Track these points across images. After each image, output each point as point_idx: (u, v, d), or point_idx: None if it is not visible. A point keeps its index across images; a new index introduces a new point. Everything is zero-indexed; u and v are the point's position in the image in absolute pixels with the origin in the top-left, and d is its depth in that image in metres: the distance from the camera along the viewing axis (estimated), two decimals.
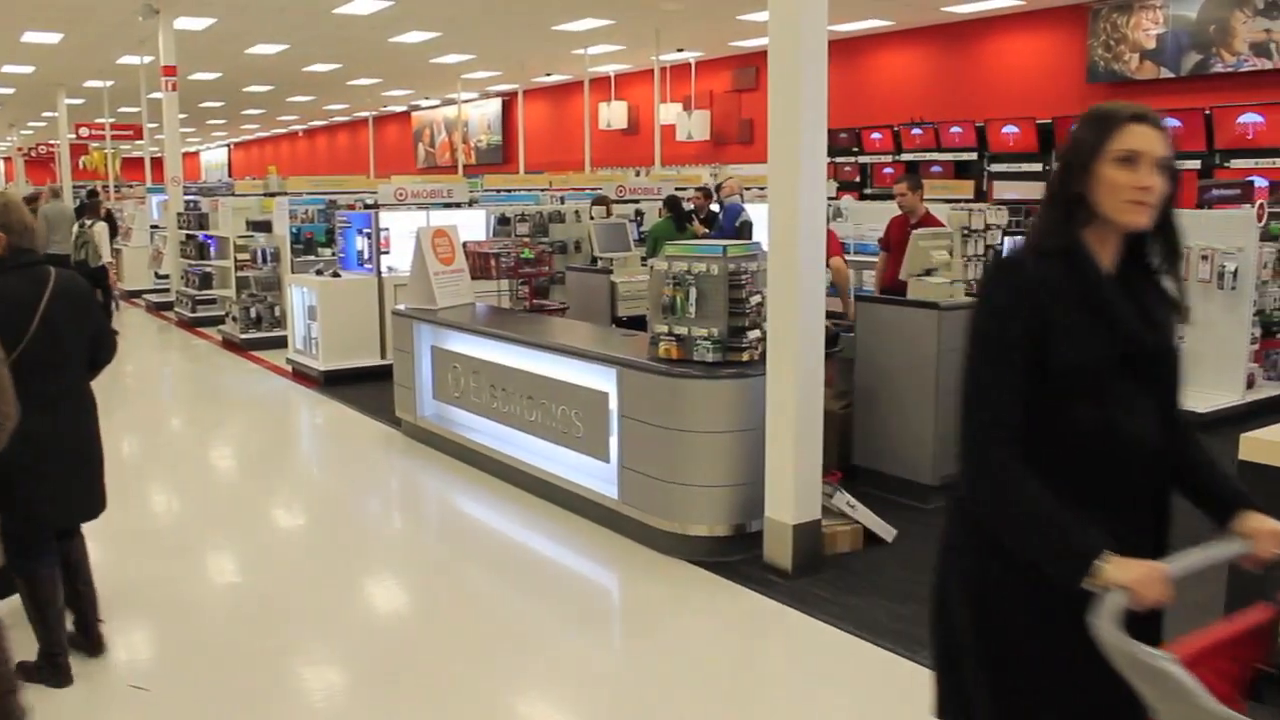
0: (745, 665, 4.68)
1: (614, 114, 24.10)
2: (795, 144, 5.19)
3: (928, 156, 18.90)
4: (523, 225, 12.28)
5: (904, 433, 6.42)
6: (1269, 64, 14.97)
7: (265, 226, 13.22)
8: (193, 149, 54.40)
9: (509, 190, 15.88)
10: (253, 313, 13.06)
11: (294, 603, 5.29)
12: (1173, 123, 15.32)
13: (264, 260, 13.10)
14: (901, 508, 6.22)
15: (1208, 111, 14.98)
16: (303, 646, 4.81)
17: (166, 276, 17.10)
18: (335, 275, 10.93)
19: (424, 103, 33.93)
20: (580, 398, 6.35)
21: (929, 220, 8.08)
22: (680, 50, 22.34)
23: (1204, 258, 8.74)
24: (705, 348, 5.59)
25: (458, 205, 12.02)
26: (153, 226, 18.38)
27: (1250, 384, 8.76)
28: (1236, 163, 14.69)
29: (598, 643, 5.00)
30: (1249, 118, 14.63)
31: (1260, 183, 10.59)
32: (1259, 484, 4.05)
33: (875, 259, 9.19)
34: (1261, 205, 8.96)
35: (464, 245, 8.67)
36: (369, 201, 12.47)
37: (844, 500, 5.73)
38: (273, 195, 14.70)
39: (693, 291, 5.60)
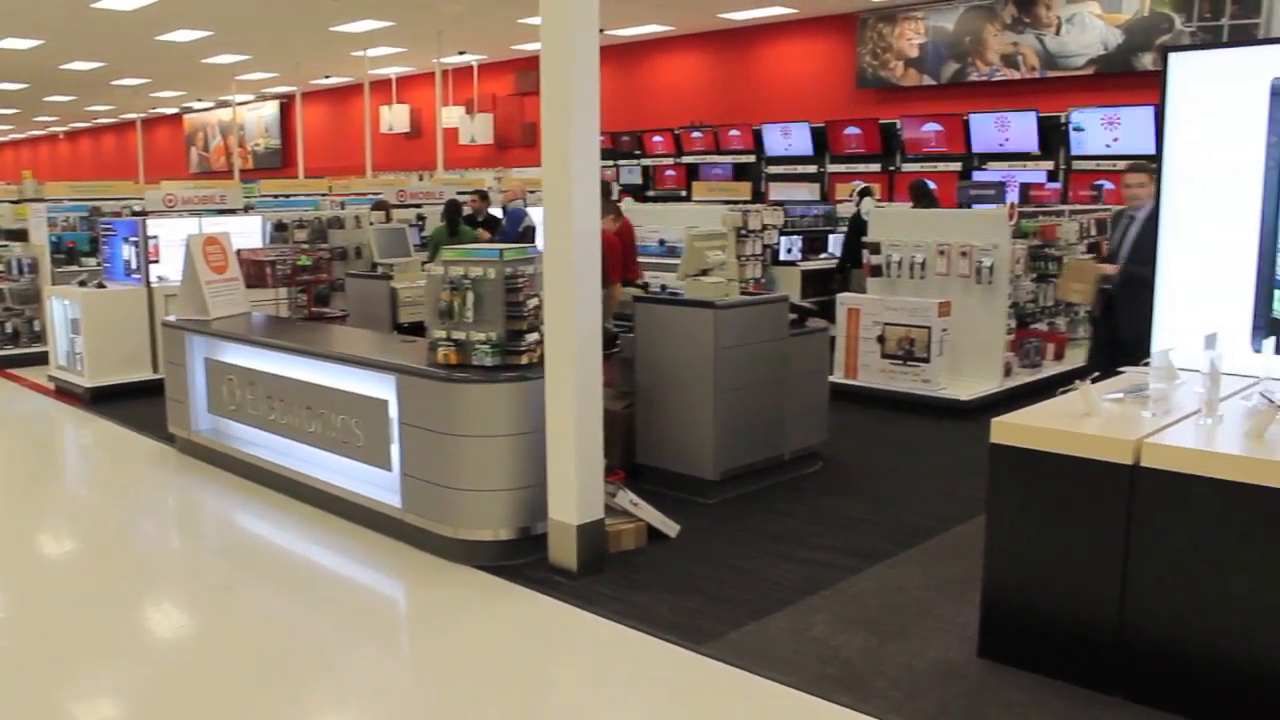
0: (533, 667, 4.70)
1: (396, 117, 23.71)
2: (568, 147, 5.23)
3: (707, 159, 19.36)
4: (301, 231, 11.96)
5: (685, 429, 6.56)
6: (1017, 74, 15.97)
7: (20, 235, 12.45)
8: None
9: (287, 195, 15.44)
10: (9, 328, 12.28)
11: (66, 634, 4.98)
12: (934, 127, 16.21)
13: (20, 271, 12.34)
14: (684, 503, 6.36)
15: (966, 117, 15.86)
16: (77, 679, 4.54)
17: None
18: (100, 286, 10.38)
19: (197, 105, 32.62)
20: (359, 406, 6.24)
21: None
22: (462, 53, 22.20)
23: (963, 254, 9.25)
24: (484, 352, 5.58)
25: (232, 211, 11.62)
26: None
27: (1008, 372, 9.34)
28: (992, 165, 15.61)
29: (386, 654, 4.92)
30: (1001, 123, 15.56)
31: (1012, 183, 11.27)
32: (1008, 464, 4.34)
33: (657, 260, 9.36)
34: (1012, 205, 9.55)
35: (238, 253, 8.38)
36: (136, 208, 11.91)
37: (627, 499, 5.81)
38: (28, 202, 13.83)
39: (470, 296, 5.58)
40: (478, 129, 22.79)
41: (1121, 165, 14.05)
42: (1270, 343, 4.95)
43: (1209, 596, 3.90)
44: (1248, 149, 5.05)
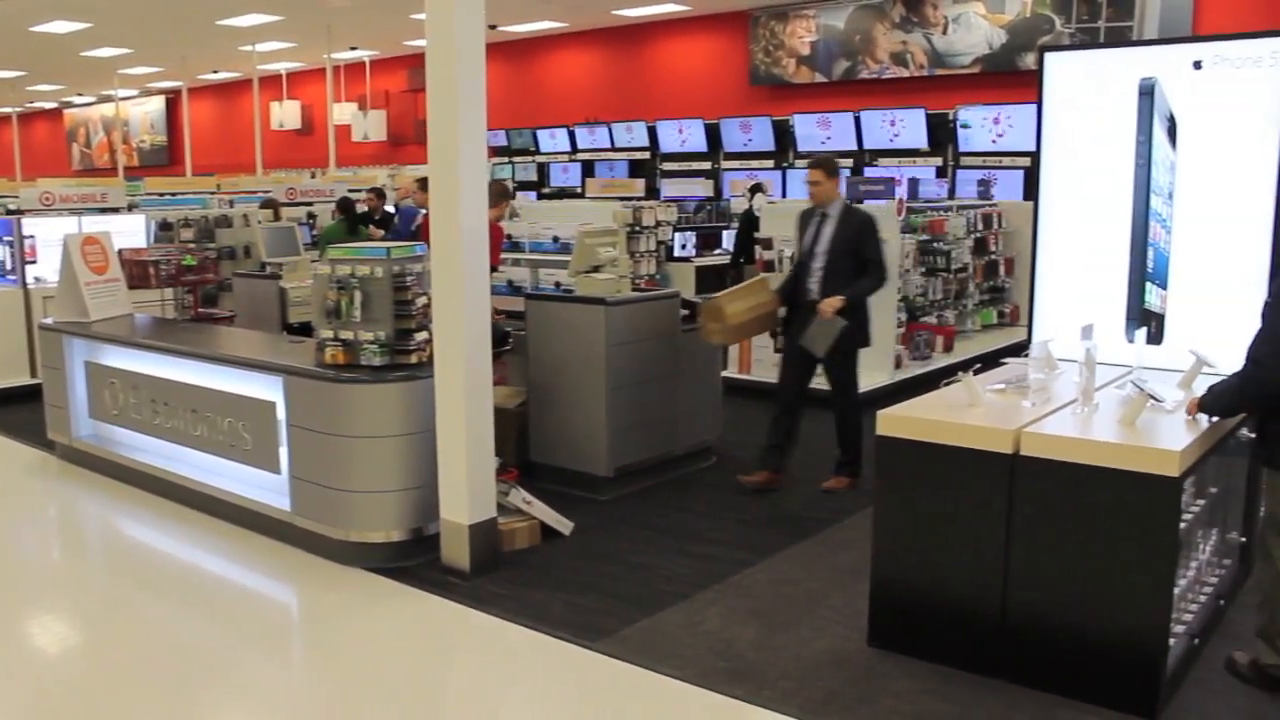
0: (428, 669, 4.65)
1: (286, 114, 23.30)
2: (455, 145, 5.18)
3: (602, 156, 19.36)
4: (187, 230, 11.65)
5: (578, 426, 6.55)
6: (906, 72, 16.27)
7: None
8: None
9: (173, 194, 15.05)
10: None
11: None
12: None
13: None
14: (578, 500, 6.34)
15: (857, 114, 16.11)
16: None
17: None
18: None
19: (78, 99, 31.60)
20: (246, 409, 6.11)
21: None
22: (354, 49, 21.88)
23: None
24: (372, 351, 5.50)
25: (114, 210, 11.28)
26: None
27: (898, 365, 9.51)
28: (883, 161, 15.89)
29: (278, 661, 4.83)
30: (891, 120, 15.85)
31: (900, 180, 11.47)
32: (894, 455, 4.41)
33: (551, 257, 9.31)
34: (901, 200, 9.72)
35: (120, 253, 8.14)
36: (10, 207, 11.49)
37: (520, 497, 5.79)
38: None
39: (358, 295, 5.49)
40: (370, 126, 22.50)
41: (1007, 161, 14.49)
42: (1142, 333, 5.12)
43: (1084, 580, 4.02)
44: (1119, 146, 5.21)
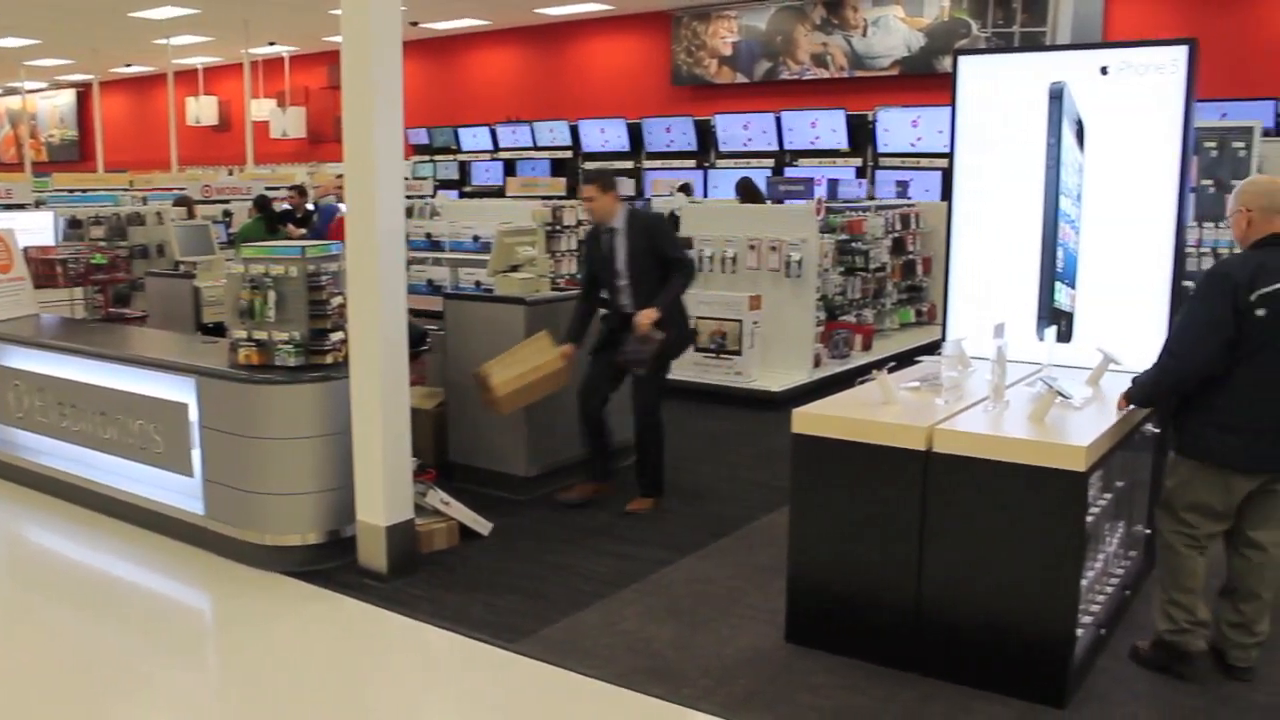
0: (345, 673, 4.59)
1: (203, 109, 22.87)
2: (371, 143, 5.12)
3: (525, 155, 19.31)
4: (97, 228, 11.39)
5: (497, 426, 6.51)
6: (826, 74, 16.44)
7: None
8: None
9: (84, 190, 14.71)
10: None
11: None
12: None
13: None
14: (497, 501, 6.31)
15: (778, 115, 16.24)
16: None
17: None
18: None
19: None
20: (157, 411, 5.98)
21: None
22: (273, 44, 21.57)
23: (773, 249, 9.46)
24: (287, 352, 5.42)
25: (20, 207, 11.00)
26: None
27: (817, 363, 9.61)
28: (804, 162, 16.03)
29: (193, 669, 4.73)
30: (812, 121, 16.01)
31: (820, 180, 11.60)
32: (809, 453, 4.45)
33: (471, 256, 9.23)
34: (820, 200, 9.82)
35: (25, 251, 7.93)
36: None
37: (438, 498, 5.74)
38: None
39: (271, 295, 5.41)
40: (289, 123, 22.19)
41: (925, 162, 14.70)
42: (1052, 331, 5.23)
43: (995, 573, 4.09)
44: (1030, 148, 5.31)
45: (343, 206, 11.13)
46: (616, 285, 6.23)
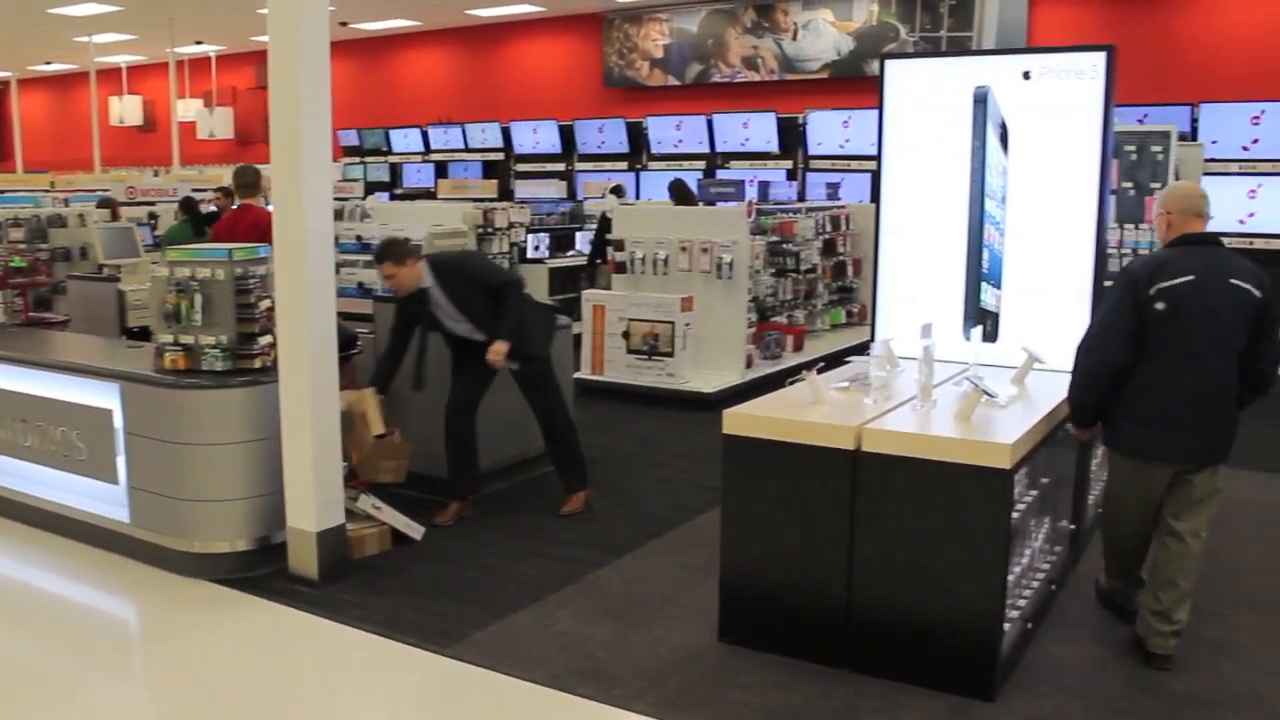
0: (276, 680, 4.54)
1: (127, 109, 22.46)
2: (299, 143, 5.08)
3: (456, 157, 19.20)
4: (16, 230, 11.12)
5: (428, 430, 6.46)
6: (757, 76, 16.56)
7: None
8: None
9: (2, 191, 14.36)
10: None
11: None
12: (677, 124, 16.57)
13: None
14: (431, 504, 6.25)
15: (709, 117, 16.31)
16: None
17: None
18: None
19: None
20: (80, 417, 5.86)
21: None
22: (199, 43, 21.23)
23: (704, 250, 9.51)
24: (214, 356, 5.35)
25: None
26: None
27: (749, 364, 9.67)
28: (735, 164, 16.12)
29: (120, 681, 4.65)
30: (743, 123, 16.10)
31: (751, 182, 11.67)
32: (740, 453, 4.48)
33: None
34: (750, 202, 9.88)
35: None
36: None
37: (369, 503, 5.70)
38: None
39: (198, 298, 5.34)
40: (217, 123, 21.87)
41: (855, 165, 14.84)
42: (978, 331, 5.32)
43: (924, 570, 4.15)
44: (955, 151, 5.39)
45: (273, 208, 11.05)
46: (455, 330, 6.11)
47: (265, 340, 5.42)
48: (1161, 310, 4.25)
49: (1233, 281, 4.26)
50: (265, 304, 5.41)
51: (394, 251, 5.92)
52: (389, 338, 6.18)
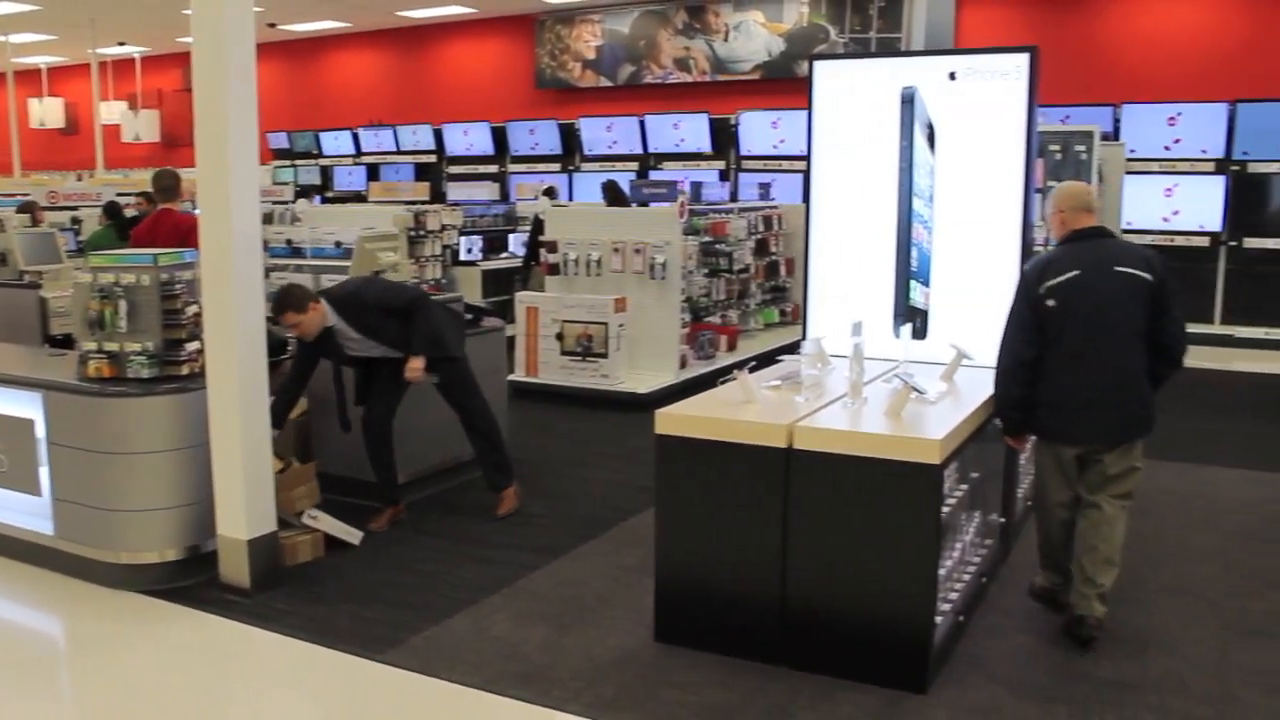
0: (208, 692, 4.46)
1: (48, 111, 21.98)
2: (224, 145, 5.01)
3: (388, 159, 19.06)
4: None
5: (361, 434, 6.40)
6: (689, 77, 16.62)
7: None
8: None
9: None
10: None
11: None
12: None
13: None
14: (365, 509, 6.19)
15: (642, 119, 16.34)
16: None
17: None
18: None
19: None
20: (1, 428, 5.73)
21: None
22: (123, 44, 20.84)
23: (637, 251, 9.52)
24: (140, 363, 5.26)
25: None
26: None
27: (683, 364, 9.70)
28: (668, 165, 16.17)
29: (47, 699, 4.52)
30: (675, 124, 16.15)
31: (684, 183, 11.71)
32: (673, 453, 4.50)
33: (333, 262, 9.09)
34: (683, 203, 9.91)
35: None
36: None
37: (307, 514, 5.64)
38: None
39: (123, 304, 5.24)
40: (142, 126, 21.49)
41: (786, 165, 14.96)
42: (908, 329, 5.37)
43: (856, 566, 4.20)
44: (884, 151, 5.44)
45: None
46: (368, 352, 6.04)
47: (193, 346, 5.34)
48: (1053, 306, 4.57)
49: (1118, 269, 4.58)
50: (192, 309, 5.33)
51: (293, 301, 5.80)
52: (290, 371, 6.05)
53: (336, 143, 19.54)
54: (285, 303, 5.80)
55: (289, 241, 8.29)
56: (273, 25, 18.61)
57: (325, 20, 18.79)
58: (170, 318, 5.30)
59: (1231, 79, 13.08)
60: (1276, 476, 7.17)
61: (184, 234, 6.78)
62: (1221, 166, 12.86)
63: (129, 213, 11.25)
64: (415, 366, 5.91)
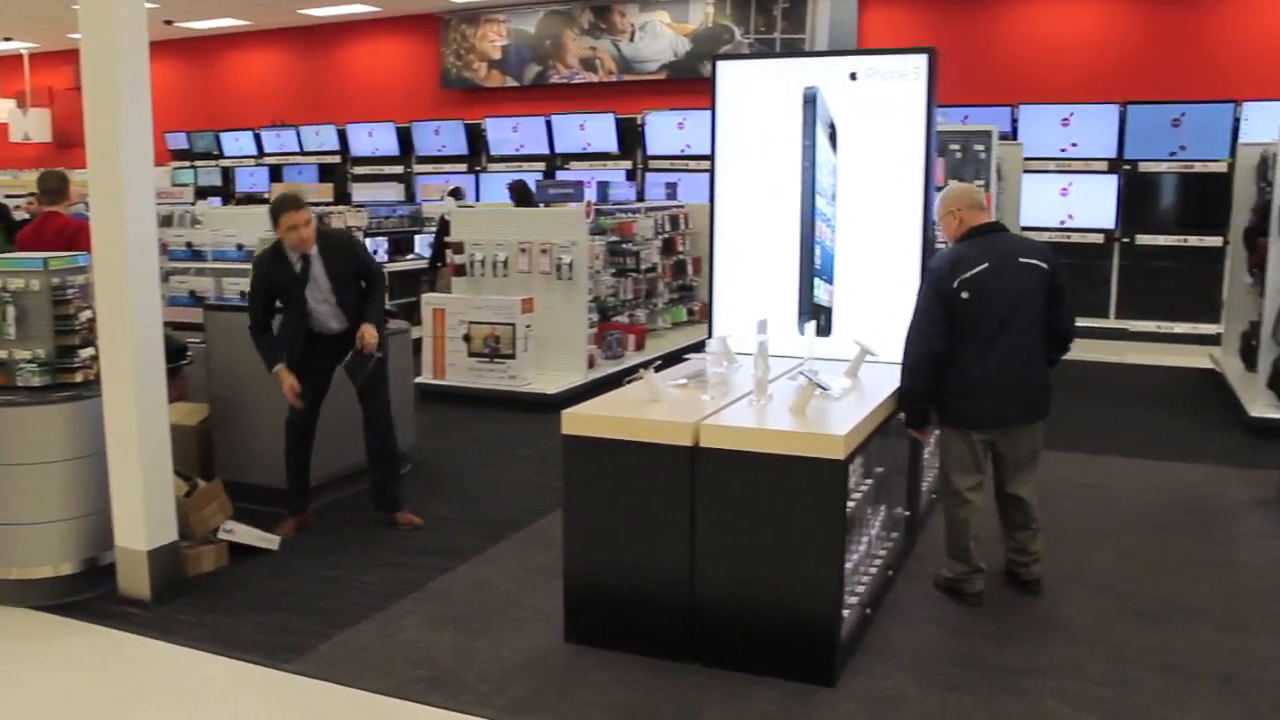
0: (110, 710, 4.32)
1: None
2: (117, 146, 4.89)
3: (291, 160, 18.76)
4: None
5: (266, 441, 6.28)
6: (595, 77, 16.63)
7: None
8: None
9: None
10: None
11: None
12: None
13: None
14: (270, 516, 6.08)
15: (548, 119, 16.31)
16: None
17: None
18: None
19: None
20: None
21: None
22: (9, 39, 20.21)
23: (543, 251, 9.50)
24: (30, 371, 5.10)
25: None
26: None
27: (591, 364, 9.69)
28: (575, 165, 16.16)
29: None
30: (582, 124, 16.15)
31: (589, 183, 11.72)
32: (580, 453, 4.49)
33: (235, 266, 8.91)
34: (589, 203, 9.91)
35: None
36: None
37: (221, 529, 5.54)
38: None
39: (11, 310, 5.08)
40: (32, 125, 20.87)
41: (693, 165, 15.03)
42: (812, 326, 5.43)
43: (764, 562, 4.23)
44: (787, 150, 5.50)
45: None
46: (319, 311, 5.93)
47: (87, 353, 5.20)
48: (967, 299, 4.76)
49: (1022, 260, 4.85)
50: (85, 315, 5.19)
51: (290, 200, 5.79)
52: (254, 315, 5.90)
53: (238, 143, 19.17)
54: (288, 202, 5.76)
55: (189, 244, 8.08)
56: (169, 22, 18.19)
57: (224, 18, 18.42)
58: (62, 324, 5.15)
59: (1122, 82, 13.48)
60: (1170, 465, 7.39)
61: (69, 238, 6.59)
62: (1114, 166, 13.25)
63: (18, 215, 10.92)
64: (371, 331, 5.81)
